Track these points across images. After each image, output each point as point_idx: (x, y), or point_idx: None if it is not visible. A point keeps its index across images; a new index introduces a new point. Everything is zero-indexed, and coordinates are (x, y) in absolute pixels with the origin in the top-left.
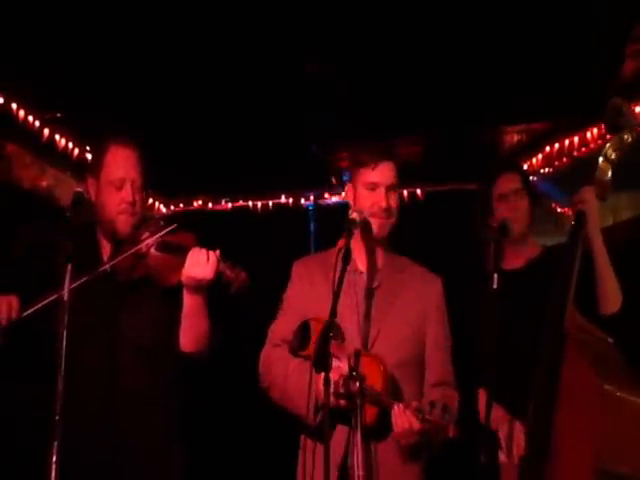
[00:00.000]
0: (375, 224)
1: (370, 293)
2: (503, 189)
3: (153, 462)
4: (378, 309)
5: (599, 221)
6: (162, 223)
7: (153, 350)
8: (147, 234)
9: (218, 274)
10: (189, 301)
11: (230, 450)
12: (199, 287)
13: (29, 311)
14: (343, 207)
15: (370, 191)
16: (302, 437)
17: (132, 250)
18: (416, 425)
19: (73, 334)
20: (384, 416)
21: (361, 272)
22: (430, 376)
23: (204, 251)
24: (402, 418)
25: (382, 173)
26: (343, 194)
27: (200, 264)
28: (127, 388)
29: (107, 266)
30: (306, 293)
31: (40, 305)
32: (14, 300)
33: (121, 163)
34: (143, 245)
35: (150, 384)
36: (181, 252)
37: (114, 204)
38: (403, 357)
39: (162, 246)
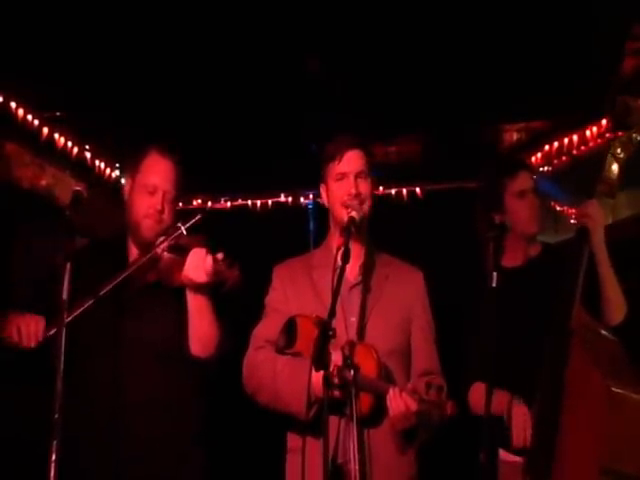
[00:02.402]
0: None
1: (354, 287)
2: (523, 186)
3: (167, 466)
4: (363, 302)
5: (603, 236)
6: (180, 225)
7: (166, 354)
8: (162, 237)
9: (215, 275)
10: (191, 301)
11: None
12: (198, 288)
13: (53, 331)
14: None
15: (339, 181)
16: (289, 437)
17: (147, 256)
18: (413, 406)
19: (85, 340)
20: (378, 405)
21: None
22: (417, 366)
23: (202, 254)
24: (398, 401)
25: (349, 162)
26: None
27: (198, 267)
28: (139, 393)
29: (126, 273)
30: (289, 295)
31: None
32: (42, 322)
33: (158, 171)
34: (158, 249)
35: (163, 388)
36: (186, 253)
37: (142, 207)
38: (391, 347)
39: (172, 247)
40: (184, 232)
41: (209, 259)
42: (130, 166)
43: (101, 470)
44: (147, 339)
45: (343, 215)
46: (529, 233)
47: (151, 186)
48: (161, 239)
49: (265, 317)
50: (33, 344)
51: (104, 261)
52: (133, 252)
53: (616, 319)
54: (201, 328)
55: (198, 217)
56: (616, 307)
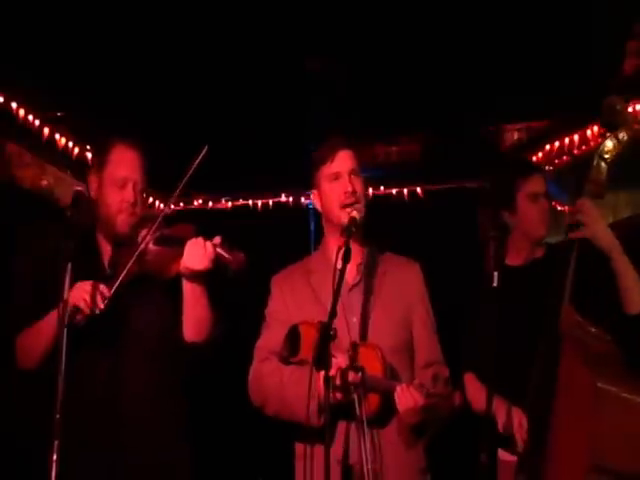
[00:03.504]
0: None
1: (354, 288)
2: (536, 189)
3: (158, 464)
4: (364, 302)
5: (603, 228)
6: (159, 219)
7: (159, 348)
8: (144, 231)
9: (216, 261)
10: (188, 289)
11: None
12: (197, 276)
13: (114, 288)
14: None
15: (334, 182)
16: (297, 445)
17: (135, 255)
18: (421, 400)
19: (78, 337)
20: (386, 404)
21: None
22: (420, 358)
23: (201, 242)
24: (406, 396)
25: (341, 161)
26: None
27: (198, 256)
28: (132, 388)
29: (122, 276)
30: (289, 303)
31: (122, 277)
32: (98, 284)
33: (126, 163)
34: (143, 244)
35: (156, 384)
36: (179, 244)
37: (115, 202)
38: (395, 343)
39: (160, 239)
40: (162, 222)
41: (209, 245)
42: (94, 163)
43: (97, 471)
44: (140, 333)
45: (342, 216)
46: (537, 236)
47: (120, 179)
48: (143, 233)
49: (267, 328)
50: (102, 307)
51: (79, 260)
52: (105, 248)
53: (637, 307)
54: (196, 313)
55: (171, 201)
56: (635, 294)
